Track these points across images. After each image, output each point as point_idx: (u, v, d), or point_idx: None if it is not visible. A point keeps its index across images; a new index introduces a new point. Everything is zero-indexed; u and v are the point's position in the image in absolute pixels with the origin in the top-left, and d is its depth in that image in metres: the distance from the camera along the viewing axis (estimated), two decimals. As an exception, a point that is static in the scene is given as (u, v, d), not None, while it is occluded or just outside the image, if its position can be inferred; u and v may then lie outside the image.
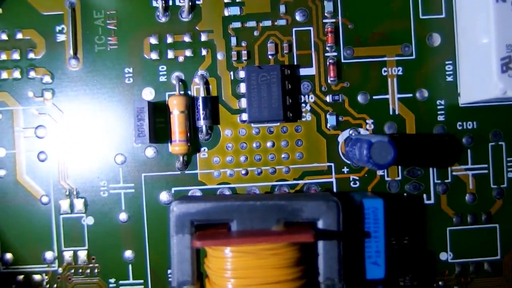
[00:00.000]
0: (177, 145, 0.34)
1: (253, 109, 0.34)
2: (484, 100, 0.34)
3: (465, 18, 0.35)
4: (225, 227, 0.31)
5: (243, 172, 0.36)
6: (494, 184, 0.36)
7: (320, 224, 0.31)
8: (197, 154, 0.36)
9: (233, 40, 0.36)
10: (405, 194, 0.36)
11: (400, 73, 0.36)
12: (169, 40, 0.36)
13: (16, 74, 0.36)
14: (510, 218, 0.36)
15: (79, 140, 0.36)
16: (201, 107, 0.35)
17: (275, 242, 0.29)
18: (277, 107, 0.34)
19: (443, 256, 0.36)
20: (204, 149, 0.36)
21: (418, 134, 0.36)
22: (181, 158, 0.35)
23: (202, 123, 0.35)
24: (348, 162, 0.36)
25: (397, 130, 0.36)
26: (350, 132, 0.36)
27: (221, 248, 0.30)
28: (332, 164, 0.36)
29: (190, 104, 0.35)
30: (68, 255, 0.36)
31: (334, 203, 0.31)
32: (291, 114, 0.35)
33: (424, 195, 0.36)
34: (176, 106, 0.34)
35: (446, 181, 0.36)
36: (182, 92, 0.35)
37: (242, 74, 0.35)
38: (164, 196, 0.36)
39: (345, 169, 0.36)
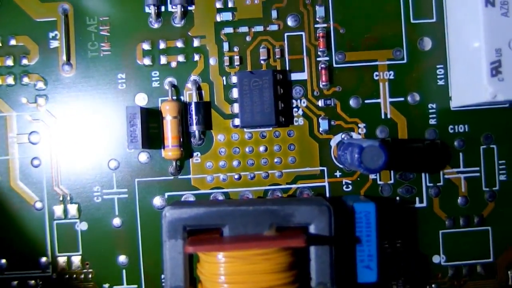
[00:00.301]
0: (170, 150, 0.34)
1: (245, 114, 0.35)
2: (475, 104, 0.34)
3: (456, 22, 0.35)
4: (218, 232, 0.31)
5: (236, 176, 0.36)
6: (486, 187, 0.36)
7: (312, 229, 0.31)
8: (190, 159, 0.36)
9: (226, 46, 0.36)
10: (397, 197, 0.36)
11: (391, 77, 0.36)
12: (162, 45, 0.36)
13: (10, 80, 0.36)
14: (503, 221, 0.36)
15: (72, 146, 0.36)
16: (193, 112, 0.35)
17: (267, 247, 0.29)
18: (270, 112, 0.35)
19: (436, 259, 0.36)
20: (197, 154, 0.36)
21: (410, 138, 0.36)
22: (174, 163, 0.35)
23: (195, 128, 0.35)
24: (341, 166, 0.36)
25: (389, 134, 0.36)
26: (342, 136, 0.36)
27: (214, 253, 0.30)
28: (325, 168, 0.36)
29: (183, 110, 0.35)
30: (62, 260, 0.36)
31: (326, 208, 0.31)
32: (283, 119, 0.36)
33: (417, 199, 0.36)
34: (169, 112, 0.34)
35: (438, 184, 0.36)
36: (174, 98, 0.36)
37: (234, 79, 0.35)
38: (157, 201, 0.36)
39: (338, 173, 0.36)
